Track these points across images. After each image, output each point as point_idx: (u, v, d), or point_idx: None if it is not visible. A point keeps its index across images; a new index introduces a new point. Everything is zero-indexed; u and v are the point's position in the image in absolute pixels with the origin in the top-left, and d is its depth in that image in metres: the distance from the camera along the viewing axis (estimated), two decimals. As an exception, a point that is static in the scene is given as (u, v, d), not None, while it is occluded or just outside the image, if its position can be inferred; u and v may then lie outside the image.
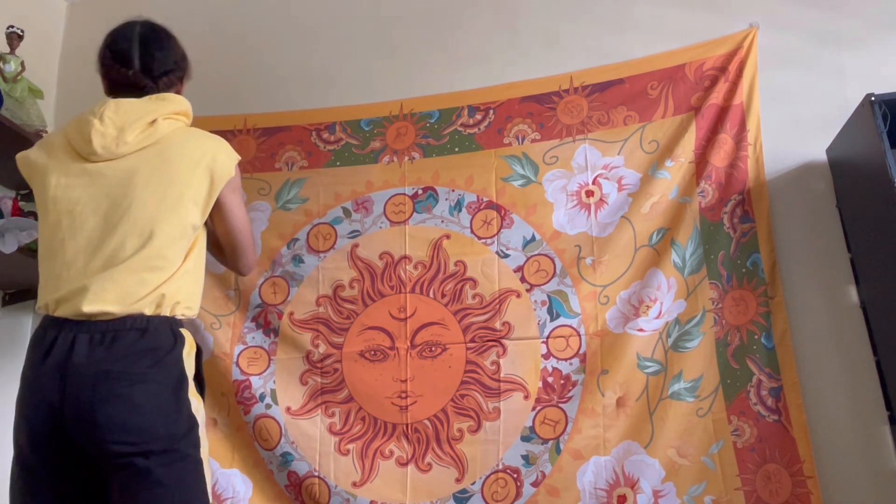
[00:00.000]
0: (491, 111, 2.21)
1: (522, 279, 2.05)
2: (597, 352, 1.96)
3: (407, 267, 2.14)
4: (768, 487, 1.78)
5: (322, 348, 2.12)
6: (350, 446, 2.03)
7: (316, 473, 2.02)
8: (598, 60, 2.18)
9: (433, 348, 2.06)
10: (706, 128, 2.03)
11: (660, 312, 1.94)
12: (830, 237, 1.94)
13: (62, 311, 1.33)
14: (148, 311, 1.35)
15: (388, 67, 2.38)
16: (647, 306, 1.94)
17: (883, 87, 1.73)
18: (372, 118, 2.30)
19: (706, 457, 1.84)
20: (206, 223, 1.50)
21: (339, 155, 2.28)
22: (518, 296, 2.05)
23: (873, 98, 1.68)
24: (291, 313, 2.16)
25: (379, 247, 2.17)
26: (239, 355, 2.14)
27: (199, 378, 1.42)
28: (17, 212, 2.10)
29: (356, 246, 2.19)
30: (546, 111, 2.17)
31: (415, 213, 2.17)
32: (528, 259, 2.07)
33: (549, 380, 1.97)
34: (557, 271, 2.04)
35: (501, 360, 2.01)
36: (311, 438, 2.05)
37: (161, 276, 1.37)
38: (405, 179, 2.21)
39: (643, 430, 1.88)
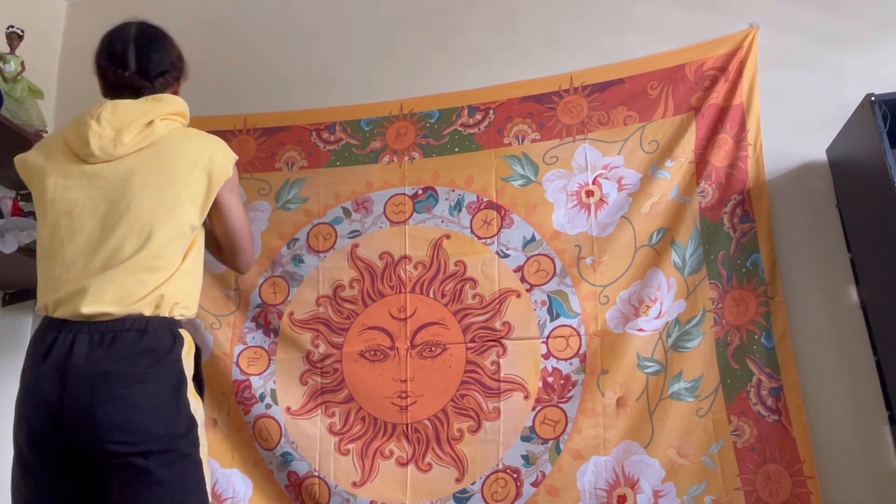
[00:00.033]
0: (491, 111, 2.21)
1: (522, 279, 2.05)
2: (597, 352, 1.96)
3: (407, 267, 2.14)
4: (768, 487, 1.78)
5: (322, 348, 2.12)
6: (350, 446, 2.03)
7: (316, 473, 2.02)
8: (598, 60, 2.18)
9: (433, 348, 2.06)
10: (706, 128, 2.03)
11: (660, 312, 1.94)
12: (830, 237, 1.94)
13: (61, 313, 1.33)
14: (147, 312, 1.35)
15: (388, 67, 2.38)
16: (647, 306, 1.94)
17: (883, 87, 1.73)
18: (372, 118, 2.30)
19: (706, 457, 1.84)
20: (204, 222, 1.51)
21: (339, 155, 2.28)
22: (518, 296, 2.05)
23: (873, 98, 1.68)
24: (291, 313, 2.16)
25: (379, 247, 2.17)
26: (239, 355, 2.14)
27: (198, 378, 1.42)
28: (17, 212, 2.10)
29: (356, 246, 2.19)
30: (546, 111, 2.17)
31: (415, 213, 2.17)
32: (528, 259, 2.07)
33: (549, 380, 1.97)
34: (557, 271, 2.04)
35: (501, 360, 2.01)
36: (311, 438, 2.05)
37: (160, 277, 1.37)
38: (405, 179, 2.21)
39: (643, 430, 1.88)
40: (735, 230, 1.96)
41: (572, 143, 2.12)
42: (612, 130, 2.10)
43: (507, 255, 2.08)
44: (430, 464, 1.99)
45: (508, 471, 1.93)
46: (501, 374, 2.00)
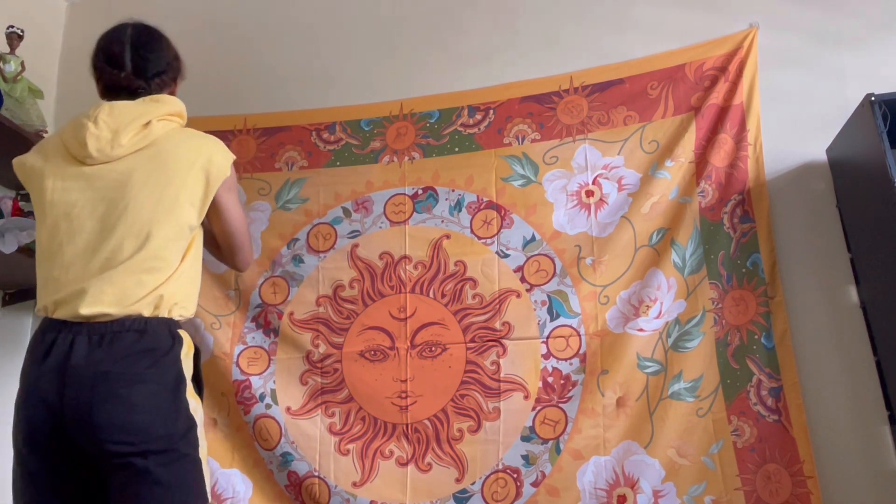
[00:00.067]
0: (491, 111, 2.21)
1: (522, 279, 2.05)
2: (597, 352, 1.96)
3: (407, 267, 2.14)
4: (768, 487, 1.78)
5: (322, 348, 2.12)
6: (350, 446, 2.03)
7: (316, 473, 2.02)
8: (598, 60, 2.18)
9: (433, 348, 2.06)
10: (706, 128, 2.03)
11: (660, 312, 1.94)
12: (830, 237, 1.94)
13: (61, 314, 1.34)
14: (146, 313, 1.35)
15: (388, 67, 2.38)
16: (647, 306, 1.94)
17: (883, 87, 1.73)
18: (372, 118, 2.30)
19: (706, 457, 1.84)
20: (202, 222, 1.51)
21: (339, 155, 2.28)
22: (518, 296, 2.05)
23: (873, 98, 1.68)
24: (291, 313, 2.16)
25: (379, 247, 2.17)
26: (239, 355, 2.14)
27: (197, 379, 1.43)
28: (17, 212, 2.10)
29: (356, 246, 2.19)
30: (546, 111, 2.17)
31: (415, 213, 2.17)
32: (528, 259, 2.07)
33: (549, 380, 1.97)
34: (557, 271, 2.04)
35: (501, 360, 2.01)
36: (311, 438, 2.05)
37: (159, 278, 1.38)
38: (405, 179, 2.21)
39: (643, 430, 1.88)
40: (735, 230, 1.96)
41: (572, 143, 2.12)
42: (612, 130, 2.10)
43: (507, 255, 2.08)
44: (430, 464, 1.99)
45: (508, 471, 1.93)
46: (501, 374, 2.00)
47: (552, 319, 2.00)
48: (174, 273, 1.40)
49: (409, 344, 2.07)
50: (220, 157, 1.50)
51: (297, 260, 2.20)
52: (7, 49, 2.17)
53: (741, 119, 2.01)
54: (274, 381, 2.11)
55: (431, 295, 2.10)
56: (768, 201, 1.97)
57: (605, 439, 1.90)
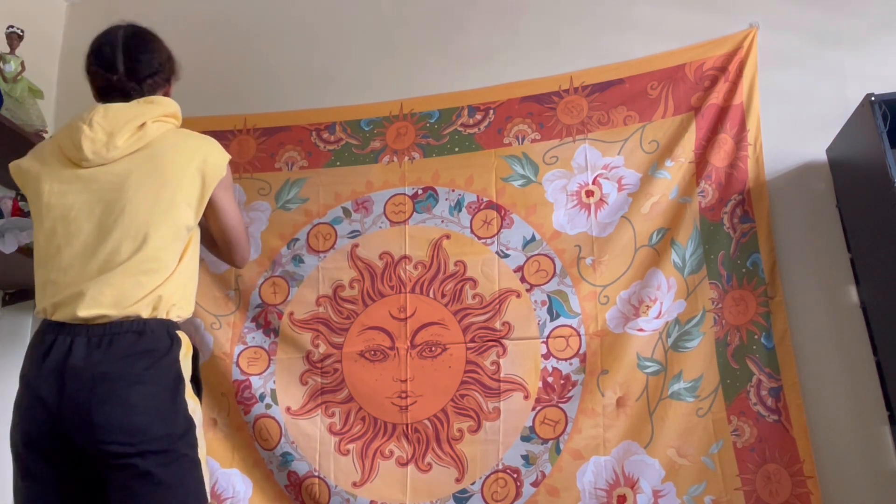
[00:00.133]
0: (491, 111, 2.21)
1: (522, 279, 2.05)
2: (597, 352, 1.96)
3: (407, 267, 2.14)
4: (768, 487, 1.78)
5: (322, 348, 2.12)
6: (350, 446, 2.03)
7: (316, 473, 2.02)
8: (598, 60, 2.18)
9: (433, 348, 2.06)
10: (706, 128, 2.03)
11: (660, 312, 1.94)
12: (830, 237, 1.94)
13: (60, 316, 1.34)
14: (144, 314, 1.35)
15: (388, 67, 2.38)
16: (647, 306, 1.94)
17: (883, 87, 1.72)
18: (372, 118, 2.30)
19: (706, 457, 1.84)
20: (199, 221, 1.51)
21: (339, 155, 2.28)
22: (518, 296, 2.05)
23: (873, 98, 1.68)
24: (291, 313, 2.16)
25: (379, 247, 2.17)
26: (239, 355, 2.14)
27: (196, 380, 1.43)
28: (17, 212, 2.10)
29: (356, 246, 2.19)
30: (546, 111, 2.17)
31: (415, 213, 2.17)
32: (528, 259, 2.06)
33: (549, 380, 1.97)
34: (557, 271, 2.04)
35: (501, 360, 2.01)
36: (311, 438, 2.05)
37: (157, 279, 1.38)
38: (405, 179, 2.21)
39: (643, 430, 1.88)
40: (735, 230, 1.96)
41: (572, 143, 2.12)
42: (612, 130, 2.10)
43: (507, 255, 2.08)
44: (430, 464, 1.99)
45: (508, 471, 1.93)
46: (501, 374, 2.00)
47: (552, 319, 2.00)
48: (172, 274, 1.41)
49: (409, 344, 2.07)
50: (215, 157, 1.50)
51: (297, 260, 2.20)
52: (7, 49, 2.17)
53: (741, 119, 2.01)
54: (274, 381, 2.11)
55: (431, 295, 2.10)
56: (768, 201, 1.96)
57: (605, 439, 1.90)
